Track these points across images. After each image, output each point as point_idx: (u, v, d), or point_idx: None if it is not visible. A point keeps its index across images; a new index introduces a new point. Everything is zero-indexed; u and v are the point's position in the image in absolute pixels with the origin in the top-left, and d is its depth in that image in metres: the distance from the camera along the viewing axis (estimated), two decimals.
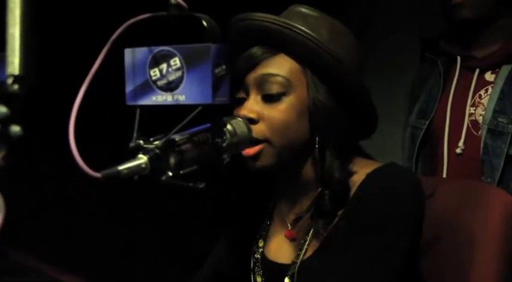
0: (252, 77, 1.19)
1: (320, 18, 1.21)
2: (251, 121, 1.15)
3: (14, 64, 0.67)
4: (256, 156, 1.16)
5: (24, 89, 0.67)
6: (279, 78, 1.17)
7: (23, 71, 0.68)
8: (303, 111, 1.18)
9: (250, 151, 1.15)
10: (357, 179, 1.17)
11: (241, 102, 1.20)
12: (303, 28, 1.16)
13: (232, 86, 1.19)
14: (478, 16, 1.84)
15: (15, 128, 0.65)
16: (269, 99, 1.18)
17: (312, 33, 1.16)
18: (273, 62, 1.19)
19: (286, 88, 1.18)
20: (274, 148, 1.17)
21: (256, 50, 1.19)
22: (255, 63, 1.19)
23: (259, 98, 1.19)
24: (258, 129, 1.16)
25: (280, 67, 1.18)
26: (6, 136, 0.64)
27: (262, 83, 1.18)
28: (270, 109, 1.17)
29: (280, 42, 1.17)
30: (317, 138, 1.18)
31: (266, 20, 1.17)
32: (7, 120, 0.64)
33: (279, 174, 1.25)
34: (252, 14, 1.19)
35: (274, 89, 1.17)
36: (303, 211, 1.22)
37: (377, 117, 1.24)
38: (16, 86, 0.67)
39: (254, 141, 1.14)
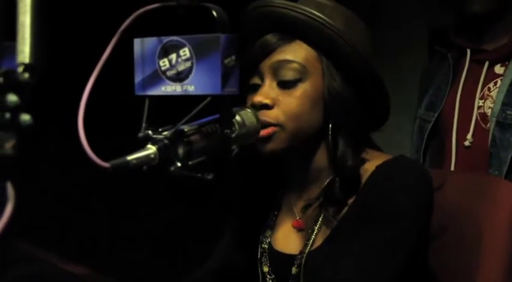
0: (267, 63, 1.19)
1: (335, 8, 1.22)
2: (266, 107, 1.16)
3: (25, 52, 0.67)
4: (268, 139, 1.16)
5: (34, 77, 0.67)
6: (295, 65, 1.18)
7: (33, 59, 0.68)
8: (317, 98, 1.18)
9: (262, 132, 1.14)
10: (367, 169, 1.18)
11: (254, 88, 1.20)
12: (320, 15, 1.16)
13: (246, 72, 1.19)
14: (489, 10, 1.83)
15: (25, 117, 0.65)
16: (284, 85, 1.18)
17: (329, 20, 1.16)
18: (289, 49, 1.19)
19: (302, 75, 1.18)
20: (286, 133, 1.17)
21: (272, 37, 1.19)
22: (270, 49, 1.19)
23: (274, 84, 1.19)
24: (272, 114, 1.16)
25: (296, 54, 1.18)
26: (16, 125, 0.64)
27: (278, 69, 1.18)
28: (285, 95, 1.17)
29: (297, 29, 1.18)
30: (330, 126, 1.18)
31: (284, 6, 1.17)
32: (17, 109, 0.64)
33: (290, 161, 1.25)
34: (269, 0, 1.19)
35: (290, 75, 1.18)
36: (312, 199, 1.22)
37: (389, 107, 1.24)
38: (26, 75, 0.67)
39: (267, 126, 1.15)
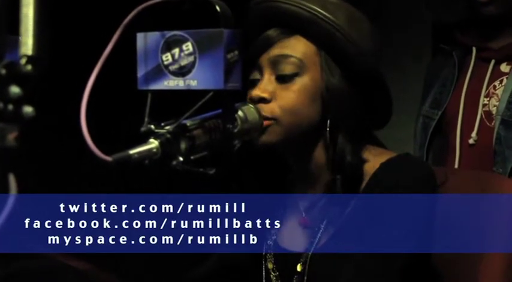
0: (266, 57, 1.20)
1: (338, 5, 1.22)
2: (264, 100, 1.16)
3: (28, 44, 0.68)
4: (262, 131, 1.16)
5: (37, 69, 0.67)
6: (293, 59, 1.18)
7: (36, 51, 0.68)
8: (315, 93, 1.18)
9: None
10: (371, 167, 1.18)
11: (254, 83, 1.20)
12: (318, 9, 1.17)
13: (247, 67, 1.19)
14: (505, 12, 1.83)
15: (28, 109, 0.65)
16: (282, 79, 1.18)
17: (327, 14, 1.17)
18: (287, 43, 1.19)
19: (300, 69, 1.18)
20: (281, 127, 1.17)
21: (272, 32, 1.20)
22: (270, 44, 1.19)
23: (273, 78, 1.19)
24: (269, 108, 1.16)
25: (294, 48, 1.19)
26: (18, 117, 0.65)
27: (276, 63, 1.19)
28: (283, 89, 1.18)
29: (295, 23, 1.18)
30: (328, 121, 1.18)
31: (284, 1, 1.18)
32: (20, 101, 0.64)
33: (291, 158, 1.25)
34: None
35: (288, 69, 1.18)
36: (316, 197, 1.22)
37: (391, 103, 1.24)
38: (29, 67, 0.67)
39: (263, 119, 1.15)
